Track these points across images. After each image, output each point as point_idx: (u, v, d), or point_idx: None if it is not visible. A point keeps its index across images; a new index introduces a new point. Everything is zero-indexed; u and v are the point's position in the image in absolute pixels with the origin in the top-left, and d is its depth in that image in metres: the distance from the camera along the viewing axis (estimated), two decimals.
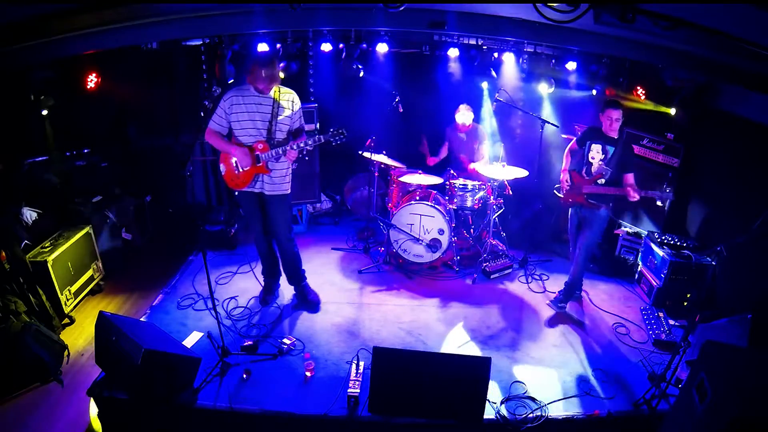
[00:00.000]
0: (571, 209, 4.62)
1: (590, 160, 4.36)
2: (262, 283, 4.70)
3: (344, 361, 3.88)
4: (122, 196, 5.52)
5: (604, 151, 4.29)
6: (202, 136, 4.19)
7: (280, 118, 3.99)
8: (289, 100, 4.05)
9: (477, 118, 5.88)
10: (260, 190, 4.11)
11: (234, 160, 4.01)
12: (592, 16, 3.07)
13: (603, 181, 4.29)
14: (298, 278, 4.60)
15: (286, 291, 4.74)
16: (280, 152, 3.93)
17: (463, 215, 5.78)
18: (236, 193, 4.23)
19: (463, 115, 5.61)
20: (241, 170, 4.03)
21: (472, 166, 5.59)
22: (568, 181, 4.49)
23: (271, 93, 3.98)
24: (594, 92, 5.68)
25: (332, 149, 6.38)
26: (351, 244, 5.90)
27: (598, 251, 5.39)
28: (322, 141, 3.97)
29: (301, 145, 3.96)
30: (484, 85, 6.11)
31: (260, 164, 3.99)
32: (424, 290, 5.02)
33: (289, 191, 4.24)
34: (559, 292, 4.75)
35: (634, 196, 4.09)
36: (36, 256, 4.28)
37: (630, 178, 4.21)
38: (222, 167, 4.13)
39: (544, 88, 5.97)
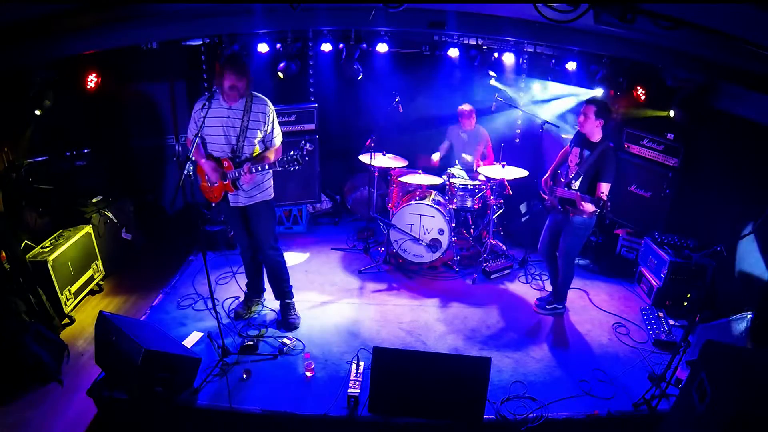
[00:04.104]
0: (550, 216, 4.45)
1: (569, 163, 4.24)
2: (243, 294, 4.53)
3: (344, 361, 3.88)
4: (122, 196, 5.52)
5: (581, 156, 4.12)
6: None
7: (250, 131, 3.67)
8: (262, 111, 3.68)
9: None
10: (235, 203, 3.88)
11: (205, 176, 3.81)
12: (592, 16, 3.07)
13: (576, 185, 4.06)
14: (282, 293, 4.30)
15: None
16: (243, 172, 3.64)
17: (463, 215, 5.78)
18: (213, 204, 4.01)
19: (469, 116, 5.62)
20: (212, 184, 3.83)
21: (479, 169, 5.54)
22: (549, 182, 4.38)
23: (242, 103, 3.64)
24: (601, 92, 5.64)
25: (333, 149, 6.48)
26: (351, 244, 5.90)
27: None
28: (277, 167, 3.64)
29: (259, 169, 3.63)
30: (493, 82, 6.09)
31: (226, 182, 3.73)
32: (424, 290, 5.02)
33: (271, 196, 3.99)
34: (548, 293, 4.77)
35: (580, 204, 3.87)
36: (36, 256, 4.27)
37: (602, 187, 3.89)
38: (198, 178, 3.89)
39: (544, 88, 5.97)
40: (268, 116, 3.71)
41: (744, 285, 4.24)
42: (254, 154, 3.77)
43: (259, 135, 3.73)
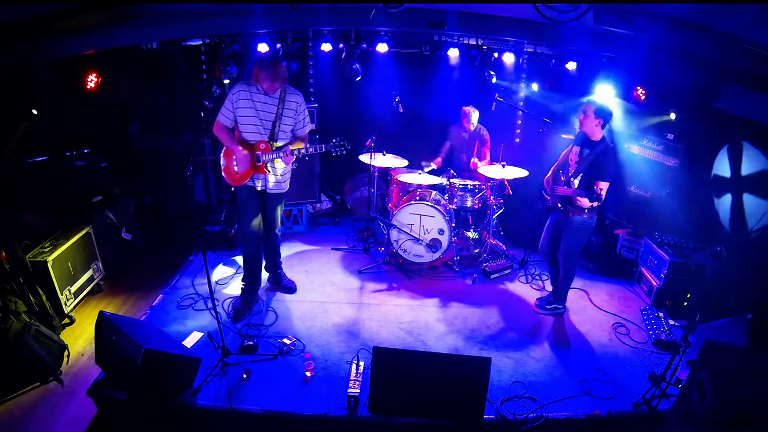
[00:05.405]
0: (551, 216, 4.45)
1: (569, 161, 4.23)
2: (240, 290, 4.57)
3: (344, 361, 3.88)
4: (122, 196, 5.51)
5: (581, 154, 4.11)
6: (204, 133, 4.16)
7: (284, 119, 4.03)
8: (294, 101, 4.06)
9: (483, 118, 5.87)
10: (263, 188, 4.15)
11: (234, 158, 4.04)
12: (592, 16, 3.08)
13: (576, 183, 4.06)
14: (275, 266, 4.78)
15: (280, 294, 4.76)
16: (281, 155, 3.98)
17: (463, 215, 5.78)
18: (233, 188, 4.24)
19: (471, 117, 5.63)
20: (241, 167, 4.06)
21: (474, 160, 5.58)
22: (549, 182, 4.37)
23: (278, 93, 3.99)
24: (607, 91, 5.60)
25: None
26: (351, 244, 5.90)
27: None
28: (323, 150, 4.07)
29: (302, 151, 4.01)
30: (494, 81, 6.08)
31: (259, 164, 4.02)
32: (424, 290, 5.02)
33: (288, 188, 4.33)
34: (548, 293, 4.77)
35: (576, 199, 3.95)
36: (36, 256, 4.27)
37: (600, 185, 3.88)
38: (222, 161, 4.14)
39: (544, 88, 5.97)
40: (300, 105, 4.10)
41: (744, 285, 4.23)
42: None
43: (292, 122, 4.09)
